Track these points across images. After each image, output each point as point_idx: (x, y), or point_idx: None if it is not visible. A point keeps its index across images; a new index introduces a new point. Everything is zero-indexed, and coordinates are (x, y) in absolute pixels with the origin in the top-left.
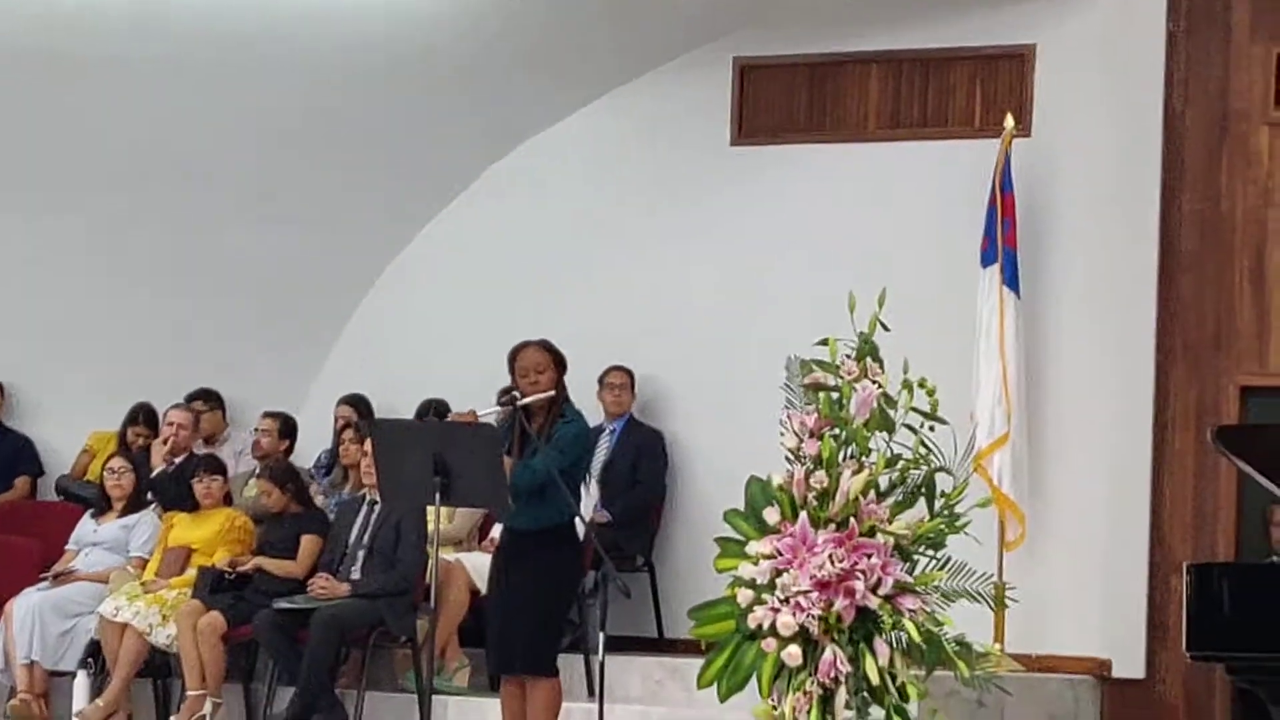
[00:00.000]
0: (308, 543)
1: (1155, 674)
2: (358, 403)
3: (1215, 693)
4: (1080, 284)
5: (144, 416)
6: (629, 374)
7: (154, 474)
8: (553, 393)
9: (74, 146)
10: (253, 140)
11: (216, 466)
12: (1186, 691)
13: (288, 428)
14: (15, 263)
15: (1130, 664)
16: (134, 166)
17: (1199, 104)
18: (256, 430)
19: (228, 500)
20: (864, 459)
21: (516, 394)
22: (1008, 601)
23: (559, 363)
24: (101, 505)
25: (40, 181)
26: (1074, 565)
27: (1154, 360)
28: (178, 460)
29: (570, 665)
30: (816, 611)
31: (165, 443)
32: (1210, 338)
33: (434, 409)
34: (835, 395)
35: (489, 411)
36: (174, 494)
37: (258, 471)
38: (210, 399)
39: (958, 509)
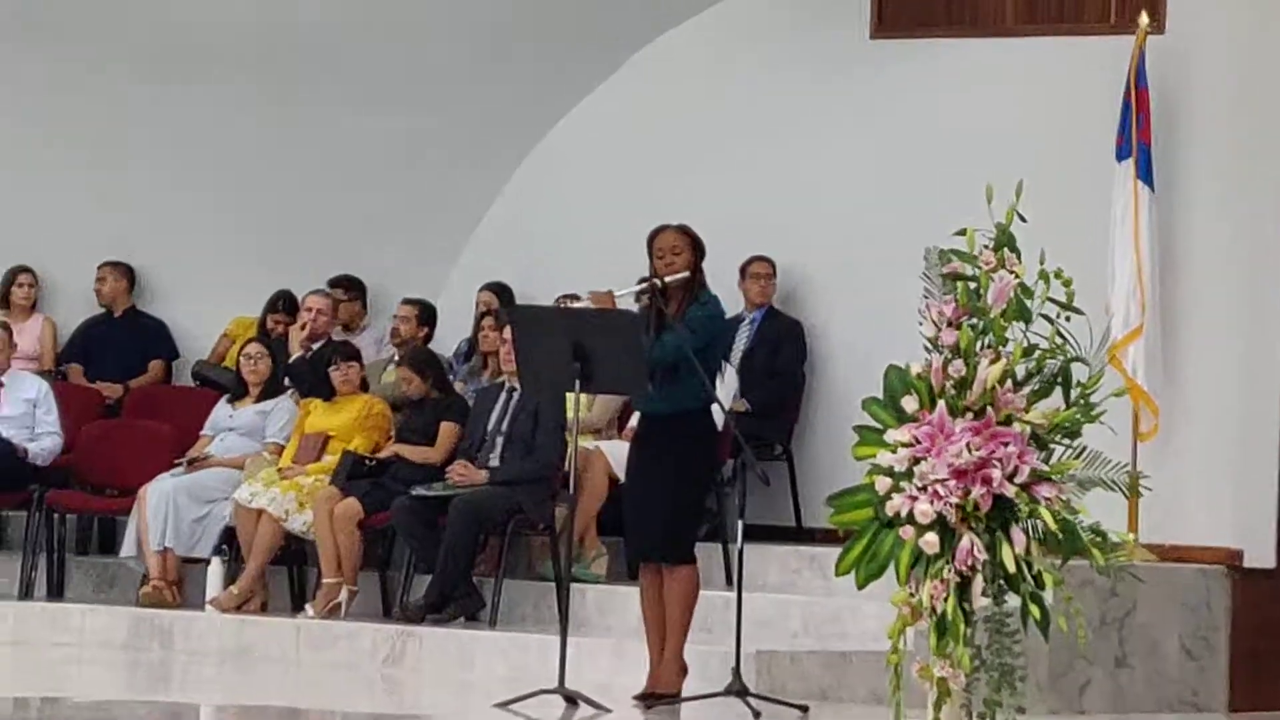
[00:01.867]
0: (446, 429)
1: None
2: (500, 290)
3: None
4: (1213, 178)
5: (284, 304)
6: (772, 264)
7: (291, 360)
8: (688, 273)
9: (206, 27)
10: (394, 24)
11: (353, 353)
12: None
13: (426, 315)
14: (154, 146)
15: (1262, 554)
16: (273, 49)
17: None
18: (395, 317)
19: (364, 387)
20: (1001, 348)
21: (656, 282)
22: (1141, 491)
23: (696, 245)
24: (238, 390)
25: (175, 63)
26: (1206, 457)
27: None
28: (315, 346)
29: (708, 554)
30: (954, 499)
31: (303, 328)
32: None
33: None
34: (973, 285)
35: (626, 291)
36: (311, 380)
37: (397, 358)
38: (353, 287)
39: (1093, 399)
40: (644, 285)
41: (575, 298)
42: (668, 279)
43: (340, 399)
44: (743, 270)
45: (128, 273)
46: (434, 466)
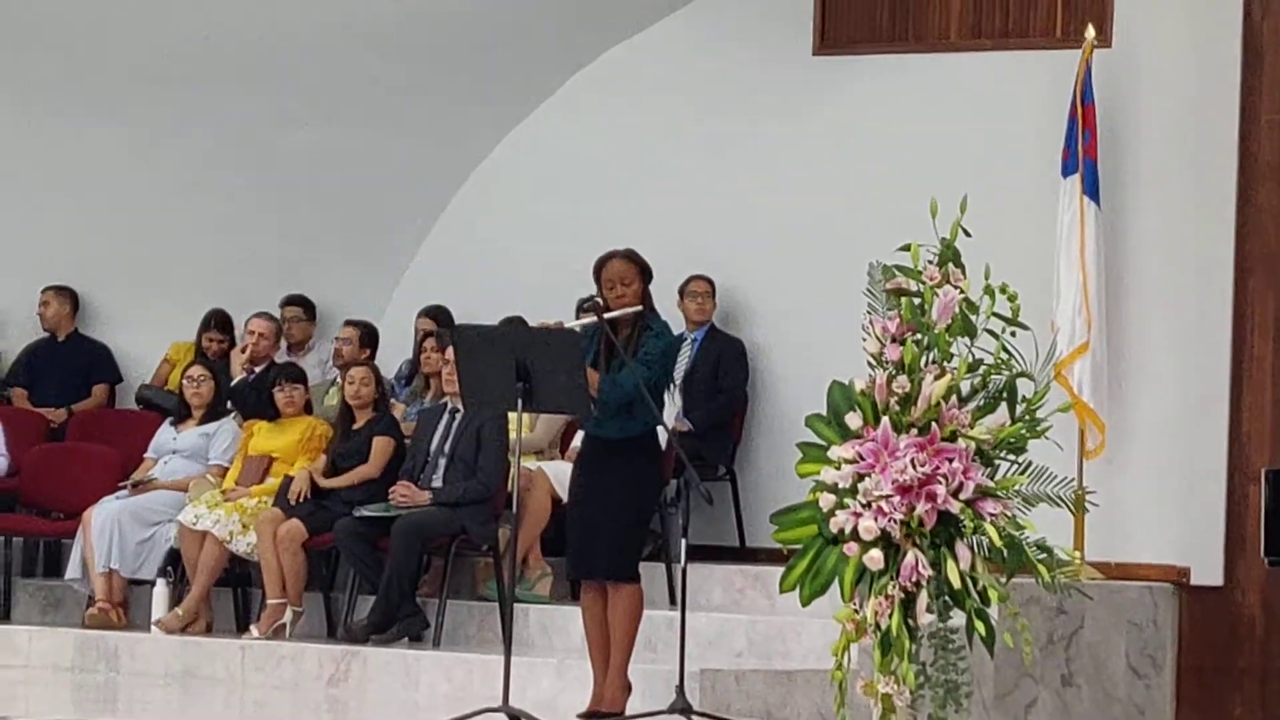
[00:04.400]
0: (380, 444)
1: (1233, 581)
2: (438, 314)
3: None
4: (1160, 194)
5: (217, 322)
6: (710, 282)
7: (234, 383)
8: (639, 307)
9: (147, 48)
10: (336, 43)
11: (297, 375)
12: (1264, 598)
13: (369, 336)
14: (91, 170)
15: (1209, 571)
16: (213, 67)
17: (1278, 14)
18: (337, 339)
19: (308, 409)
20: (946, 364)
21: (598, 301)
22: (1088, 506)
23: (645, 273)
24: (181, 413)
25: (116, 84)
26: (1153, 473)
27: (1233, 270)
28: (258, 369)
29: (652, 573)
30: (898, 515)
31: (244, 351)
32: None
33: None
34: (917, 300)
35: (574, 324)
36: (254, 402)
37: (339, 380)
38: (306, 307)
39: (1038, 414)
40: (590, 316)
41: (521, 321)
42: (619, 313)
43: (284, 420)
44: (681, 290)
45: (71, 297)
46: (374, 483)
